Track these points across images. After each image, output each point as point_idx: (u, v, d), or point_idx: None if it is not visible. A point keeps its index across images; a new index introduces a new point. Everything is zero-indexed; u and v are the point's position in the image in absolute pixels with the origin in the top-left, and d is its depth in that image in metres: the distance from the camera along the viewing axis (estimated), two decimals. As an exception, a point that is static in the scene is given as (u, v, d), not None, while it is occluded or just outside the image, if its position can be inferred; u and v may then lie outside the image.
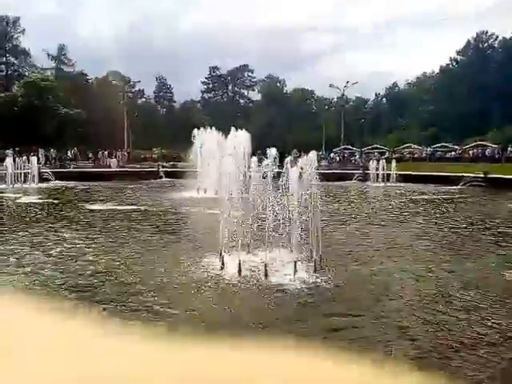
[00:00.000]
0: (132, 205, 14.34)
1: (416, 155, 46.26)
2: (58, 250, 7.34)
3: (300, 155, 6.56)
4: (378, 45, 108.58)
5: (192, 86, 77.54)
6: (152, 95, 73.13)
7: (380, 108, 78.67)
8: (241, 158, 14.51)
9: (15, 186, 21.17)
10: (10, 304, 4.85)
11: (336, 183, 24.33)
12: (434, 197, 17.64)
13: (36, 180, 23.03)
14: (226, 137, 17.90)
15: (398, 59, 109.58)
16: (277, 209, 6.56)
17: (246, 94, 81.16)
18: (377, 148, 50.13)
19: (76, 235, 8.67)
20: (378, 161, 28.27)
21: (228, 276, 5.71)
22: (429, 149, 46.25)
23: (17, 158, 23.59)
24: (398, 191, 20.72)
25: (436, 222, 10.99)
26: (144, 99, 71.92)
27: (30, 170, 23.16)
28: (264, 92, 76.87)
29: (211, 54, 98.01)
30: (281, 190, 6.29)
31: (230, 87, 79.57)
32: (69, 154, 37.60)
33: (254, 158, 7.78)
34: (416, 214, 12.86)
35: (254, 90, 79.99)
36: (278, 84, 77.54)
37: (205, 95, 79.36)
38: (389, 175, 25.34)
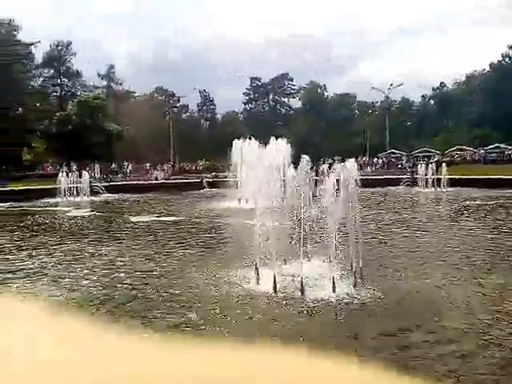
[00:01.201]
0: (174, 215, 14.55)
1: (468, 158, 43.68)
2: (97, 261, 7.50)
3: (333, 162, 6.23)
4: (423, 44, 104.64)
5: (234, 97, 78.46)
6: (195, 109, 75.14)
7: (427, 109, 75.35)
8: (279, 168, 14.31)
9: (68, 199, 22.32)
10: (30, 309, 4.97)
11: (381, 189, 23.40)
12: (490, 202, 16.37)
13: (87, 193, 24.18)
14: (266, 146, 17.86)
15: (445, 58, 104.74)
16: (314, 218, 6.27)
17: (286, 102, 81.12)
18: (426, 151, 47.90)
19: (115, 247, 8.84)
20: (428, 164, 26.90)
21: (262, 291, 5.46)
22: (482, 151, 43.51)
23: (70, 173, 24.97)
24: (450, 196, 19.50)
25: (493, 230, 10.10)
26: (188, 113, 74.01)
27: (81, 184, 24.41)
28: (304, 99, 76.39)
29: (251, 64, 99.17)
30: (319, 199, 6.00)
31: (270, 96, 79.90)
32: (129, 167, 40.11)
33: (291, 167, 7.53)
34: (470, 220, 11.94)
35: (294, 97, 79.80)
36: (319, 90, 76.72)
37: (246, 106, 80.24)
38: (439, 179, 23.96)
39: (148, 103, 60.87)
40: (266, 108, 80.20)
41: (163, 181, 33.46)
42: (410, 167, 34.05)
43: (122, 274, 6.64)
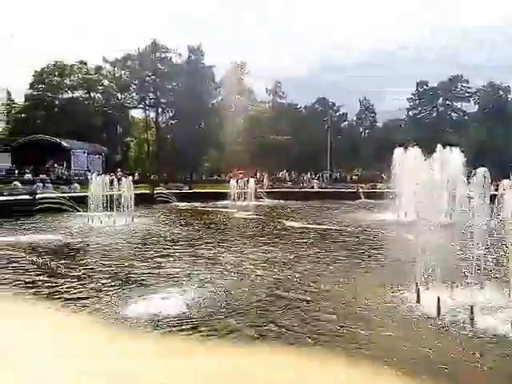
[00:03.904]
0: (327, 224, 14.66)
1: None
2: (250, 260, 8.09)
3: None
4: None
5: (397, 104, 74.02)
6: (354, 117, 73.91)
7: None
8: (448, 180, 12.89)
9: (236, 203, 25.04)
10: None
11: None
12: None
13: (252, 198, 26.68)
14: (432, 155, 16.35)
15: None
16: (489, 239, 5.44)
17: (458, 106, 72.21)
18: None
19: (267, 249, 9.44)
20: None
21: (423, 313, 4.99)
22: None
23: (239, 180, 28.21)
24: None
25: None
26: (347, 122, 73.32)
27: (247, 190, 27.07)
28: (482, 102, 66.65)
29: (417, 68, 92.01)
30: (495, 216, 5.17)
31: (439, 101, 72.48)
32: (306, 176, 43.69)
33: (463, 180, 6.77)
34: None
35: (469, 101, 70.35)
36: (501, 92, 65.84)
37: (410, 112, 74.75)
38: None
39: (309, 114, 63.04)
40: (434, 114, 73.03)
41: (319, 189, 34.08)
42: None
43: (263, 276, 6.95)
